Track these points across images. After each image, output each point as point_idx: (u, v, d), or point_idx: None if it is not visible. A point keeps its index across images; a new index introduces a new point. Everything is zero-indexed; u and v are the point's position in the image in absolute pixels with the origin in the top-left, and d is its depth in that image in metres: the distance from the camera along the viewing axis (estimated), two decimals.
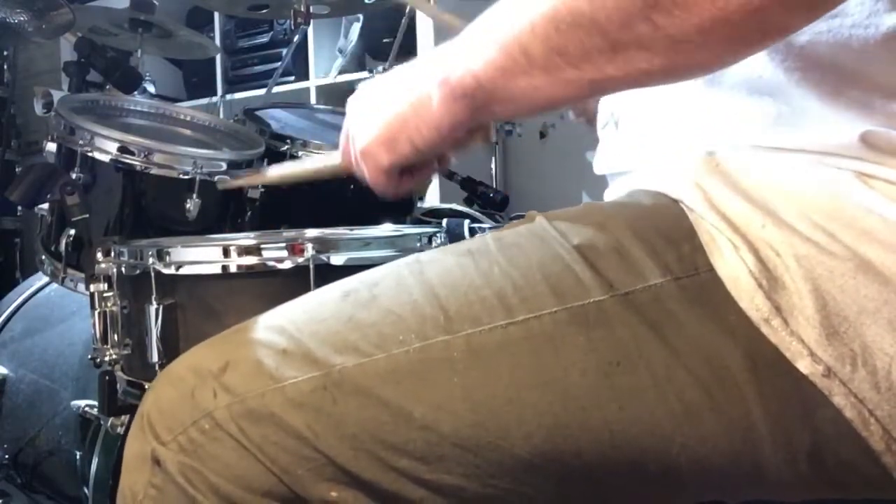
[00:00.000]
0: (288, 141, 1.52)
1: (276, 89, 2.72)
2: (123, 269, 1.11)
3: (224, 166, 1.34)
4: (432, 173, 0.80)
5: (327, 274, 0.97)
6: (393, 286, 0.67)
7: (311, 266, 0.98)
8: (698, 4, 0.53)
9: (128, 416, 1.21)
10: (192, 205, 1.30)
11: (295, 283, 0.98)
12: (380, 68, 2.02)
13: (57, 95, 1.47)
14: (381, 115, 0.72)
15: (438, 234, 1.10)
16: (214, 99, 3.33)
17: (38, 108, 1.51)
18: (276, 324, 0.68)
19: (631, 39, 0.55)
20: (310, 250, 0.99)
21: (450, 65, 0.65)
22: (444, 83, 0.66)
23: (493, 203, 1.93)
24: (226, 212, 1.39)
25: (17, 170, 2.81)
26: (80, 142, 1.29)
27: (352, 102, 0.77)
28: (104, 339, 1.14)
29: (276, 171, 1.19)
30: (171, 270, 1.04)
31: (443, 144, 0.71)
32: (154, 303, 1.04)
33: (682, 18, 0.53)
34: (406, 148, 0.71)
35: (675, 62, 0.57)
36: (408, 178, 0.77)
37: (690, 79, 0.62)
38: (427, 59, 0.69)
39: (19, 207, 2.56)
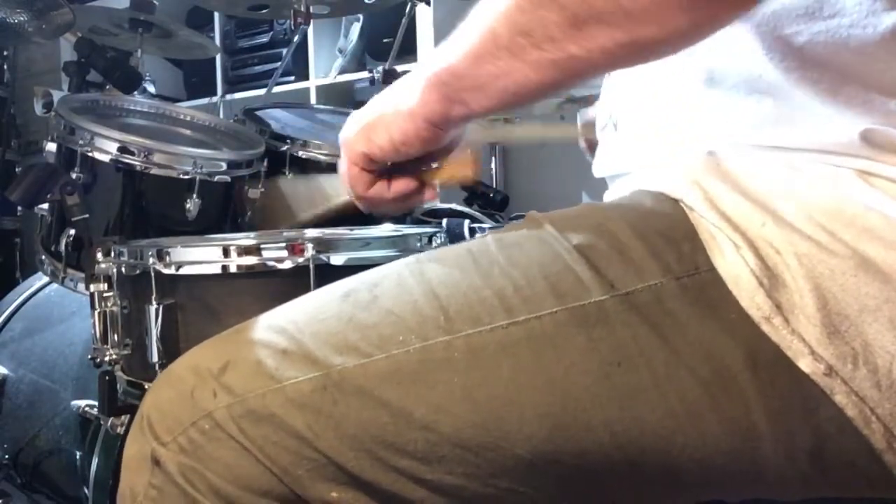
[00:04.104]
0: (288, 141, 1.52)
1: (276, 89, 2.71)
2: (123, 269, 1.11)
3: (224, 166, 1.34)
4: (414, 193, 0.80)
5: (327, 274, 0.97)
6: (393, 287, 0.67)
7: (311, 266, 0.99)
8: None
9: (128, 416, 1.21)
10: (192, 205, 1.31)
11: (295, 283, 0.99)
12: (379, 68, 2.02)
13: (57, 95, 1.48)
14: (368, 111, 0.75)
15: (438, 234, 1.10)
16: (214, 99, 3.32)
17: (38, 108, 1.51)
18: (276, 324, 0.68)
19: (590, 14, 0.56)
20: (310, 250, 0.99)
21: (435, 60, 0.67)
22: (422, 75, 0.68)
23: (493, 203, 1.93)
24: (226, 212, 1.39)
25: (17, 170, 2.81)
26: (80, 142, 1.30)
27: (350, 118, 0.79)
28: (104, 339, 1.15)
29: None
30: (171, 270, 1.04)
31: (417, 140, 0.71)
32: (154, 303, 1.04)
33: None
34: (382, 137, 0.73)
35: (634, 37, 0.57)
36: (382, 184, 0.78)
37: (655, 59, 0.62)
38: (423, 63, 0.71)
39: (19, 207, 2.56)
